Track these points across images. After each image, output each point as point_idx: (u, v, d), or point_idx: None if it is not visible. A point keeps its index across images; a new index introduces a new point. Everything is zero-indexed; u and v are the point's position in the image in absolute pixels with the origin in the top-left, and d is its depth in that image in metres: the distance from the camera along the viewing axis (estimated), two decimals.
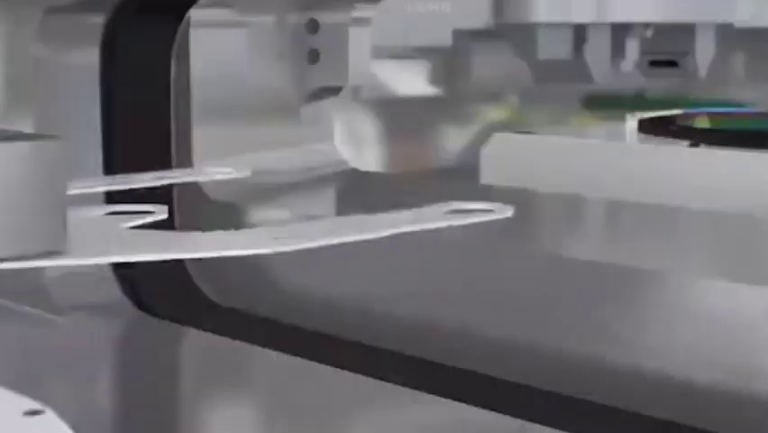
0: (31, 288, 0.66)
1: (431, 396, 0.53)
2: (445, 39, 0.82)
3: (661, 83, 0.93)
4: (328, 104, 0.75)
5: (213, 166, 0.56)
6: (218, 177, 0.55)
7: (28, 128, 0.65)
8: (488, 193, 0.68)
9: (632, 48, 0.87)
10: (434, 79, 0.95)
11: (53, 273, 0.67)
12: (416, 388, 0.54)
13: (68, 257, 0.39)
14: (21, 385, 0.36)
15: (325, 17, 0.72)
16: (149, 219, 0.45)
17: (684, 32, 0.88)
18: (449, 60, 0.90)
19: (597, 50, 0.85)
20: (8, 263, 0.37)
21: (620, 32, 0.86)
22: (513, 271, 0.60)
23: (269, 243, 0.42)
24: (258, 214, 0.72)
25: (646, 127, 0.88)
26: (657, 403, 0.51)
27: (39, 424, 0.33)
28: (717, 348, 0.52)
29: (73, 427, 0.33)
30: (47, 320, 0.64)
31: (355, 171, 0.78)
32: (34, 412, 0.33)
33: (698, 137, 0.82)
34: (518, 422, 0.50)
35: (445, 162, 0.93)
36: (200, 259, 0.68)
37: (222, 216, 0.71)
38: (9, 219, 0.37)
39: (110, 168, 0.67)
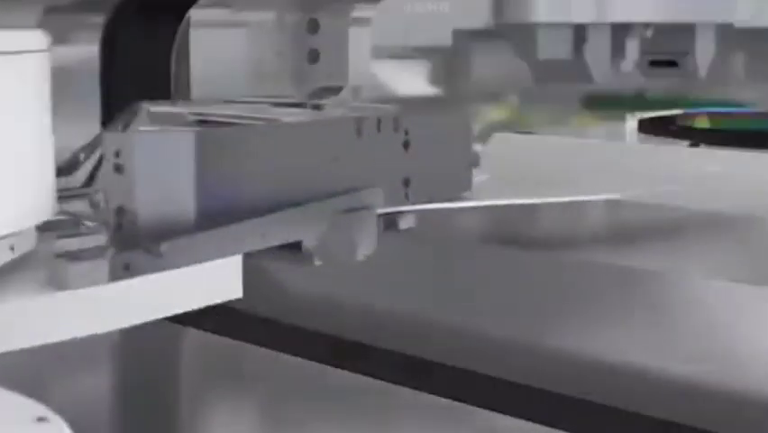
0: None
1: (431, 396, 0.53)
2: (445, 39, 0.82)
3: (661, 83, 0.93)
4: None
5: None
6: None
7: None
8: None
9: (632, 48, 0.87)
10: (434, 79, 0.95)
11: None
12: (416, 388, 0.54)
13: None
14: (21, 385, 0.36)
15: (325, 17, 0.72)
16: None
17: (684, 32, 0.88)
18: (449, 60, 0.90)
19: (597, 50, 0.84)
20: None
21: (620, 32, 0.86)
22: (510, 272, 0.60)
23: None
24: None
25: (646, 127, 0.87)
26: (657, 403, 0.51)
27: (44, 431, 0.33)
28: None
29: (73, 426, 0.33)
30: None
31: None
32: (41, 419, 0.33)
33: (697, 137, 0.82)
34: (518, 422, 0.50)
35: None
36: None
37: None
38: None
39: None
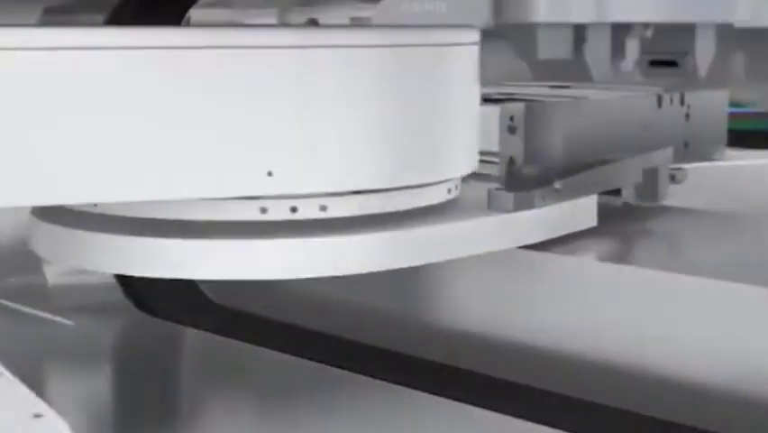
0: (33, 289, 0.66)
1: (431, 396, 0.53)
2: None
3: (661, 83, 0.93)
4: None
5: None
6: None
7: None
8: None
9: (632, 48, 0.87)
10: None
11: (55, 274, 0.67)
12: (416, 388, 0.54)
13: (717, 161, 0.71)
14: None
15: (325, 17, 0.72)
16: None
17: (684, 32, 0.88)
18: None
19: (597, 50, 0.85)
20: None
21: (620, 32, 0.86)
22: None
23: None
24: None
25: None
26: (657, 403, 0.51)
27: (40, 427, 0.33)
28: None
29: (73, 426, 0.33)
30: (48, 321, 0.64)
31: None
32: (38, 415, 0.34)
33: None
34: (518, 422, 0.50)
35: None
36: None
37: None
38: None
39: None
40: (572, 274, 0.57)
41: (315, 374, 0.56)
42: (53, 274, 0.67)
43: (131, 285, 0.68)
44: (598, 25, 0.84)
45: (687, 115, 0.64)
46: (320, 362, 0.57)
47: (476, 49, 0.52)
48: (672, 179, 0.63)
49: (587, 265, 0.56)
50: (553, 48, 0.82)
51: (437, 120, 0.49)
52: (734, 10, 0.89)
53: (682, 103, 0.64)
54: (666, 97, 0.63)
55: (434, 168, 0.49)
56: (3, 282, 0.66)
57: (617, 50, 0.87)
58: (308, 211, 0.46)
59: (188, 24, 0.69)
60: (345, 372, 0.56)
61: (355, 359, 0.58)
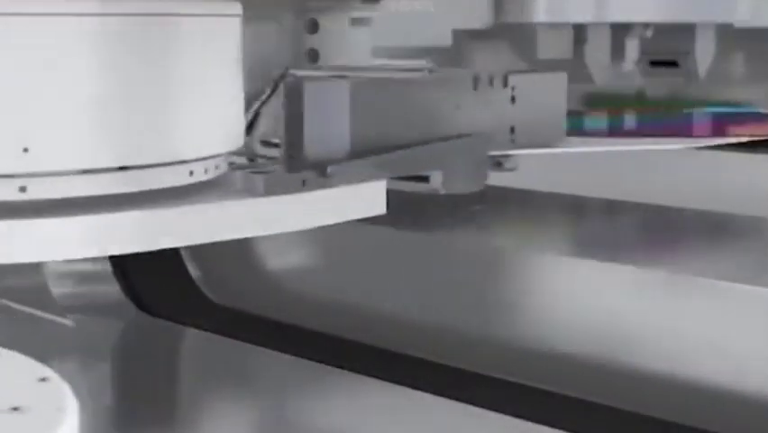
0: (33, 289, 0.66)
1: (431, 396, 0.53)
2: (445, 39, 0.82)
3: (661, 83, 0.93)
4: None
5: None
6: None
7: None
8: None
9: (632, 48, 0.87)
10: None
11: (55, 274, 0.67)
12: (416, 388, 0.54)
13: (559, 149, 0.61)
14: None
15: (325, 17, 0.72)
16: None
17: (684, 32, 0.88)
18: (449, 61, 0.90)
19: (597, 50, 0.84)
20: None
21: (620, 32, 0.86)
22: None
23: None
24: None
25: None
26: (657, 403, 0.51)
27: (41, 390, 0.34)
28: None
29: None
30: (48, 321, 0.64)
31: None
32: (43, 379, 0.34)
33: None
34: (519, 422, 0.50)
35: None
36: (200, 259, 0.68)
37: None
38: None
39: None
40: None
41: (315, 374, 0.56)
42: (53, 274, 0.67)
43: (131, 285, 0.68)
44: (598, 25, 0.84)
45: (512, 98, 0.59)
46: (320, 362, 0.57)
47: (228, 22, 0.49)
48: (499, 165, 0.59)
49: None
50: (553, 48, 0.82)
51: (169, 98, 0.45)
52: (734, 10, 0.89)
53: (505, 85, 0.58)
54: (484, 78, 0.57)
55: (169, 148, 0.45)
56: (3, 282, 0.66)
57: (617, 50, 0.86)
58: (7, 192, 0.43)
59: None
60: (345, 372, 0.56)
61: (355, 359, 0.58)
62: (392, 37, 0.79)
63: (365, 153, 0.51)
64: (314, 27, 0.72)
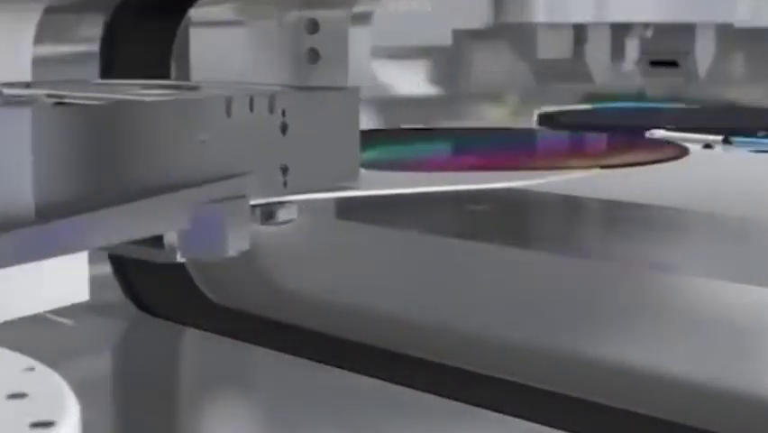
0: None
1: (431, 396, 0.53)
2: (445, 39, 0.82)
3: (661, 83, 0.93)
4: None
5: None
6: None
7: None
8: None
9: (632, 48, 0.87)
10: (434, 80, 0.95)
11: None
12: (416, 388, 0.54)
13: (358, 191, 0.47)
14: None
15: (325, 17, 0.72)
16: None
17: (684, 32, 0.88)
18: (449, 60, 0.90)
19: (597, 50, 0.85)
20: None
21: (620, 32, 0.86)
22: None
23: None
24: None
25: (544, 120, 0.93)
26: (657, 403, 0.51)
27: (35, 378, 0.33)
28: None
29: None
30: (48, 321, 0.64)
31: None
32: (30, 369, 0.34)
33: (584, 129, 0.88)
34: (519, 422, 0.50)
35: None
36: (200, 259, 0.68)
37: None
38: None
39: None
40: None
41: (315, 374, 0.56)
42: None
43: (131, 285, 0.68)
44: (598, 25, 0.84)
45: (283, 127, 0.43)
46: (320, 362, 0.57)
47: None
48: (270, 217, 0.45)
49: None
50: (553, 48, 0.82)
51: None
52: (734, 10, 0.89)
53: (272, 110, 0.43)
54: (241, 101, 0.42)
55: None
56: None
57: (617, 50, 0.87)
58: None
59: (189, 24, 0.69)
60: (345, 372, 0.56)
61: (355, 359, 0.58)
62: (392, 37, 0.79)
63: (61, 210, 0.35)
64: (314, 27, 0.72)
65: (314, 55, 0.72)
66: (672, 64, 0.90)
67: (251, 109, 0.42)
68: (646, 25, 0.87)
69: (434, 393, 0.53)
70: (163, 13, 0.69)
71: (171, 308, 0.67)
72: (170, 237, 0.40)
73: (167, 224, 0.39)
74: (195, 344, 0.65)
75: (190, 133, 0.40)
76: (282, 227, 0.45)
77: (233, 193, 0.41)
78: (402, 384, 0.54)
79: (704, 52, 0.89)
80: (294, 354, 0.59)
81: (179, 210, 0.39)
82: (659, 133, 0.83)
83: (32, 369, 0.34)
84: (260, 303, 0.68)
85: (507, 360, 0.57)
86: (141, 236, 0.39)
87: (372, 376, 0.55)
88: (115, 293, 0.68)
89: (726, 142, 0.81)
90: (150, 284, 0.68)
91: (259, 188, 0.42)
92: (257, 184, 0.42)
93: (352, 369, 0.56)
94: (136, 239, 0.39)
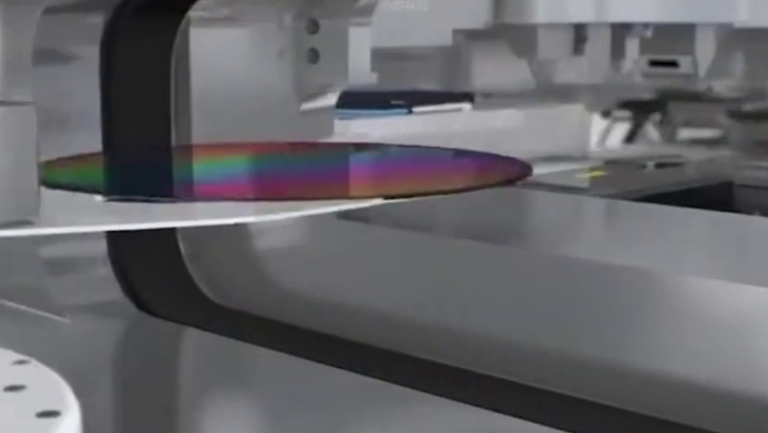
0: (33, 289, 0.66)
1: (431, 396, 0.53)
2: (445, 39, 0.82)
3: (661, 83, 0.93)
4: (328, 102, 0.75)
5: None
6: None
7: None
8: None
9: (632, 48, 0.87)
10: (434, 79, 0.95)
11: (55, 273, 0.67)
12: (416, 388, 0.54)
13: (38, 227, 0.38)
14: None
15: (325, 17, 0.72)
16: None
17: (684, 31, 0.88)
18: (449, 60, 0.90)
19: (597, 50, 0.85)
20: None
21: (620, 32, 0.86)
22: None
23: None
24: None
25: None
26: (657, 403, 0.51)
27: (28, 372, 0.34)
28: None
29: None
30: (47, 321, 0.64)
31: None
32: (20, 362, 0.34)
33: None
34: (519, 422, 0.50)
35: None
36: (201, 259, 0.68)
37: None
38: None
39: None
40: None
41: (315, 375, 0.56)
42: (53, 274, 0.67)
43: (131, 285, 0.68)
44: (598, 25, 0.84)
45: None
46: (320, 362, 0.57)
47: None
48: None
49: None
50: (553, 48, 0.82)
51: None
52: (734, 10, 0.89)
53: None
54: None
55: None
56: (3, 282, 0.66)
57: (617, 50, 0.87)
58: None
59: (188, 24, 0.69)
60: (346, 372, 0.56)
61: (355, 359, 0.58)
62: (392, 37, 0.79)
63: None
64: (314, 27, 0.72)
65: (314, 55, 0.72)
66: (672, 64, 0.90)
67: None
68: (646, 25, 0.87)
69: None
70: (163, 12, 0.69)
71: (171, 308, 0.67)
72: None
73: None
74: (195, 344, 0.65)
75: None
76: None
77: None
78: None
79: (704, 52, 0.89)
80: (294, 354, 0.59)
81: None
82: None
83: (22, 362, 0.35)
84: (260, 303, 0.68)
85: None
86: None
87: (372, 376, 0.55)
88: (115, 293, 0.68)
89: None
90: (149, 284, 0.68)
91: None
92: None
93: (351, 369, 0.57)
94: None
